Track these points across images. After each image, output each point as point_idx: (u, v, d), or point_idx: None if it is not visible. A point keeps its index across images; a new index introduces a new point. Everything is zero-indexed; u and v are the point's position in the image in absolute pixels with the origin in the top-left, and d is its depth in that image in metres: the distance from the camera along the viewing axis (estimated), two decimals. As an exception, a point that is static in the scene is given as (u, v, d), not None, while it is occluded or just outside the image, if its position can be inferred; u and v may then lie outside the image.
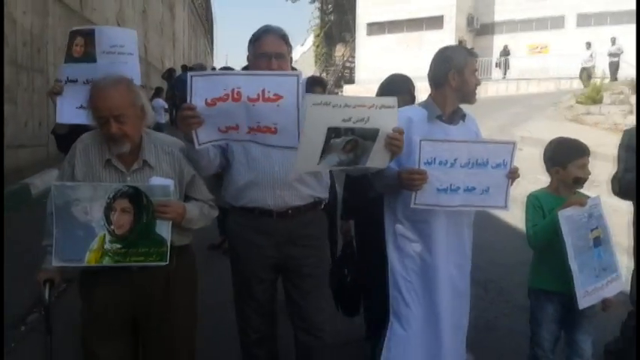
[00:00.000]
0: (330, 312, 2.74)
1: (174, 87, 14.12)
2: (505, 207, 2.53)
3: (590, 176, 2.68)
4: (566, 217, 2.45)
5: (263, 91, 2.03)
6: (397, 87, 3.14)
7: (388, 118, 2.12)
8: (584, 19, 25.09)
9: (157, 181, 2.18)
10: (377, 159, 2.20)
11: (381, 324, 3.01)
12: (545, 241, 2.57)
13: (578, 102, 14.57)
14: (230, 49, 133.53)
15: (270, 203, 2.42)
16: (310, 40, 42.97)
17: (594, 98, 13.94)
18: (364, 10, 30.46)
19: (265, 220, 2.45)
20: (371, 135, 2.11)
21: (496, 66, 25.58)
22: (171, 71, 15.85)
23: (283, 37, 2.47)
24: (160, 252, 2.14)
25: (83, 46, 3.09)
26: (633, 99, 12.87)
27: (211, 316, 3.33)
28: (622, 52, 19.49)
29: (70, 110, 3.06)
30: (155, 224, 2.12)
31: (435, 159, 2.39)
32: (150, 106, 2.28)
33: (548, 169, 2.73)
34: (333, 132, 2.04)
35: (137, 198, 2.10)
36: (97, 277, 2.23)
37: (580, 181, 2.64)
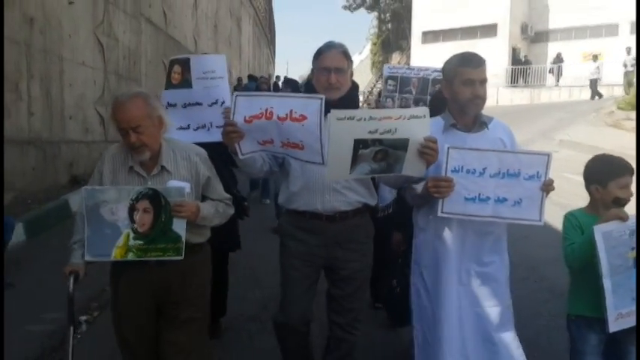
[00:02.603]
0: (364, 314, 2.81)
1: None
2: (539, 222, 2.39)
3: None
4: (603, 232, 2.24)
5: (291, 111, 2.21)
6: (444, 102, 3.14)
7: (419, 128, 2.18)
8: (637, 27, 25.07)
9: (173, 183, 2.35)
10: (412, 167, 2.25)
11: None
12: (582, 260, 2.37)
13: (619, 108, 15.09)
14: (290, 57, 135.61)
15: (319, 207, 2.56)
16: (368, 48, 43.79)
17: (634, 104, 14.45)
18: (420, 18, 31.16)
19: (315, 222, 2.59)
20: (401, 144, 2.18)
21: (549, 72, 25.96)
22: (239, 80, 17.65)
23: (344, 53, 2.61)
24: (176, 247, 2.32)
25: (180, 73, 3.32)
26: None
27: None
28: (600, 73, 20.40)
29: (172, 132, 3.24)
30: (172, 222, 2.30)
31: (462, 167, 2.35)
32: (167, 117, 2.46)
33: (588, 187, 2.52)
34: (360, 143, 2.14)
35: (156, 199, 2.29)
36: (122, 273, 2.47)
37: (620, 202, 2.39)
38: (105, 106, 8.98)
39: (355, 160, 2.17)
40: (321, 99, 2.19)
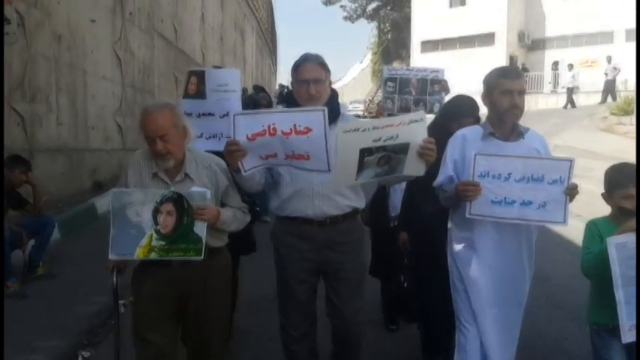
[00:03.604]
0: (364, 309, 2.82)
1: (247, 104, 16.29)
2: (564, 222, 2.50)
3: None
4: (617, 244, 2.23)
5: (295, 125, 2.27)
6: (461, 111, 3.20)
7: (417, 131, 2.28)
8: (632, 34, 25.57)
9: (196, 189, 2.43)
10: (412, 167, 2.35)
11: (438, 335, 3.26)
12: (595, 270, 2.37)
13: (612, 113, 15.60)
14: (292, 66, 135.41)
15: (309, 213, 2.60)
16: (369, 57, 44.31)
17: (626, 110, 14.95)
18: (419, 28, 31.75)
19: (307, 228, 2.63)
20: (402, 148, 2.28)
21: (556, 74, 26.52)
22: (244, 91, 18.20)
23: (321, 64, 2.63)
24: (196, 248, 2.39)
25: (196, 84, 3.43)
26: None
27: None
28: (619, 71, 20.59)
29: None
30: (194, 225, 2.38)
31: (488, 172, 2.47)
32: (191, 128, 2.56)
33: (603, 196, 2.57)
34: (366, 152, 2.24)
35: (179, 202, 2.37)
36: (144, 275, 2.54)
37: (625, 212, 2.39)
38: (122, 116, 9.57)
39: (361, 167, 2.27)
40: (324, 110, 2.27)
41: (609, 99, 20.34)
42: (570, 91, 21.82)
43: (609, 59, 21.26)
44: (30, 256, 5.21)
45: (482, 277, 2.64)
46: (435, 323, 3.26)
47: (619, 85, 21.43)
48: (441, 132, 2.83)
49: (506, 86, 2.55)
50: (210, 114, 3.42)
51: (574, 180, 2.50)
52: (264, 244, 2.91)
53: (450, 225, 2.77)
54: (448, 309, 2.83)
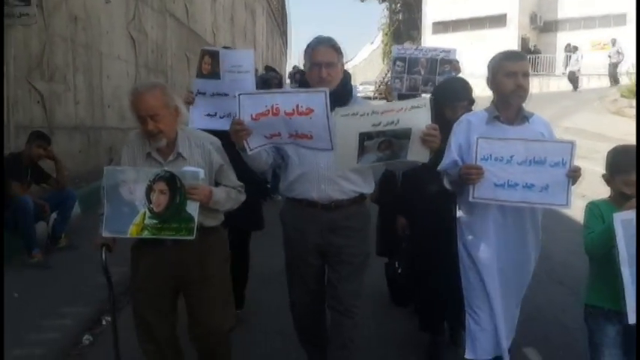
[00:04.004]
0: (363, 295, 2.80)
1: (257, 84, 16.40)
2: (567, 205, 2.51)
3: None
4: (622, 220, 2.19)
5: (297, 106, 2.32)
6: (454, 94, 3.19)
7: (420, 117, 2.28)
8: (645, 17, 25.28)
9: (188, 169, 2.44)
10: (416, 153, 2.36)
11: (433, 316, 3.33)
12: (601, 249, 2.34)
13: (622, 96, 15.54)
14: (302, 47, 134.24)
15: (314, 196, 2.63)
16: (380, 38, 44.07)
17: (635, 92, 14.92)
18: (430, 9, 31.60)
19: (311, 211, 2.66)
20: (403, 134, 2.29)
21: (568, 56, 26.30)
22: (255, 71, 18.26)
23: (334, 47, 2.64)
24: (188, 228, 2.41)
25: (210, 64, 3.46)
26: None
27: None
28: (622, 55, 20.37)
29: (200, 118, 3.44)
30: (186, 204, 2.39)
31: (491, 155, 2.48)
32: (184, 107, 2.58)
33: (604, 177, 2.52)
34: (365, 136, 2.27)
35: (172, 181, 2.38)
36: (140, 253, 2.59)
37: (626, 197, 2.34)
38: (136, 96, 9.71)
39: (362, 151, 2.31)
40: (325, 91, 2.31)
41: (613, 82, 20.24)
42: (573, 75, 21.57)
43: (614, 42, 21.02)
44: (53, 228, 5.48)
45: (492, 262, 2.67)
46: (436, 304, 3.25)
47: (630, 68, 21.24)
48: (434, 116, 2.80)
49: (510, 68, 2.57)
50: (224, 94, 3.45)
51: (579, 161, 2.51)
52: (275, 222, 2.98)
53: (458, 211, 2.78)
54: (453, 292, 2.86)
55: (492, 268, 2.68)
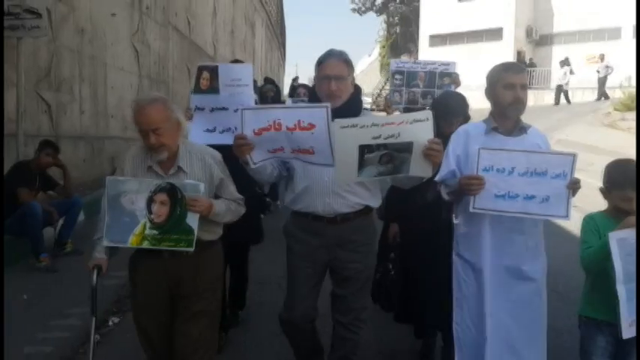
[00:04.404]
0: (370, 311, 2.77)
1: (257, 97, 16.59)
2: (566, 217, 2.50)
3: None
4: (618, 239, 2.24)
5: (299, 121, 2.29)
6: (450, 109, 3.20)
7: (422, 131, 2.25)
8: (639, 31, 25.61)
9: (189, 181, 2.45)
10: (418, 168, 2.32)
11: (430, 327, 3.30)
12: (596, 264, 2.39)
13: (615, 109, 15.80)
14: (300, 58, 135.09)
15: (319, 209, 2.62)
16: (377, 50, 44.46)
17: (629, 105, 15.14)
18: (427, 22, 31.88)
19: (317, 224, 2.65)
20: (405, 147, 2.26)
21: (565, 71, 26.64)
22: (255, 83, 18.47)
23: (345, 61, 2.62)
24: (188, 240, 2.41)
25: (209, 80, 3.45)
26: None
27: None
28: (611, 69, 20.54)
29: (199, 133, 3.40)
30: (186, 216, 2.40)
31: (492, 166, 2.47)
32: (185, 120, 2.59)
33: (601, 190, 2.55)
34: (365, 148, 2.24)
35: (173, 193, 2.39)
36: (139, 264, 2.60)
37: (622, 212, 2.38)
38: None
39: (362, 164, 2.28)
40: (327, 107, 2.28)
41: (602, 96, 20.48)
42: (559, 89, 21.59)
43: (602, 57, 21.31)
44: (59, 233, 5.64)
45: (487, 274, 2.63)
46: (431, 317, 3.22)
47: (623, 82, 21.54)
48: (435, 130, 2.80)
49: (509, 80, 2.56)
50: (223, 108, 3.44)
51: (575, 174, 2.49)
52: (277, 228, 2.98)
53: (454, 221, 2.74)
54: (443, 297, 2.82)
55: (487, 280, 2.64)
